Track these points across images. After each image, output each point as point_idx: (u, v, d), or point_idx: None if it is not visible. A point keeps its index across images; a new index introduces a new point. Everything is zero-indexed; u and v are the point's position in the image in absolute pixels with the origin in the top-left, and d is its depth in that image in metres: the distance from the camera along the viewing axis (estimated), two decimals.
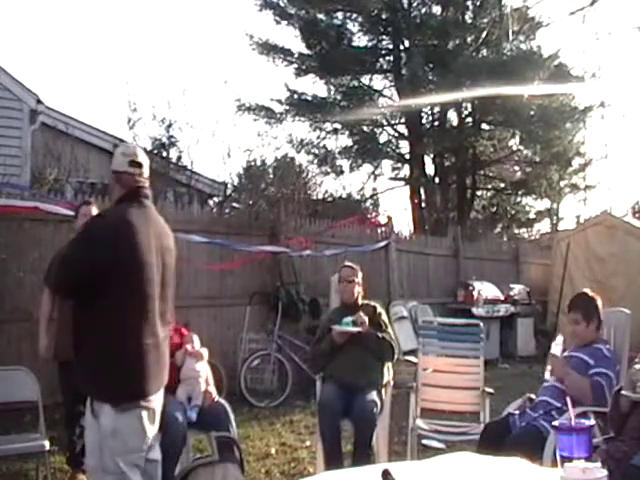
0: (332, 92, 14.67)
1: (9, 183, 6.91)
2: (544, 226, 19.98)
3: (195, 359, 3.98)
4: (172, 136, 10.40)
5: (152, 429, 2.84)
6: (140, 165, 2.93)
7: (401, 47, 14.48)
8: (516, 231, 19.16)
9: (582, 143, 15.46)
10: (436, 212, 14.49)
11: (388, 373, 4.36)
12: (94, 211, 4.30)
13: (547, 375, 3.62)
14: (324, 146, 14.68)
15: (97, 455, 2.78)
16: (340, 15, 14.42)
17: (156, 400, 2.87)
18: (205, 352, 4.08)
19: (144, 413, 2.78)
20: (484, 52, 14.61)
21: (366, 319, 4.22)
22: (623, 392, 2.94)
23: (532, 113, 13.72)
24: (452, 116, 15.29)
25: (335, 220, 9.37)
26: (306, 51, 14.35)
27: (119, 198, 2.89)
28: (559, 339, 3.74)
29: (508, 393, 5.15)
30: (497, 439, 3.30)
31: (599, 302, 3.65)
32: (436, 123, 15.20)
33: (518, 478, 1.87)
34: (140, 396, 2.77)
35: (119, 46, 31.03)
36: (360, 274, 4.51)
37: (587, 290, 3.78)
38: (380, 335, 4.26)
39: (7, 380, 4.18)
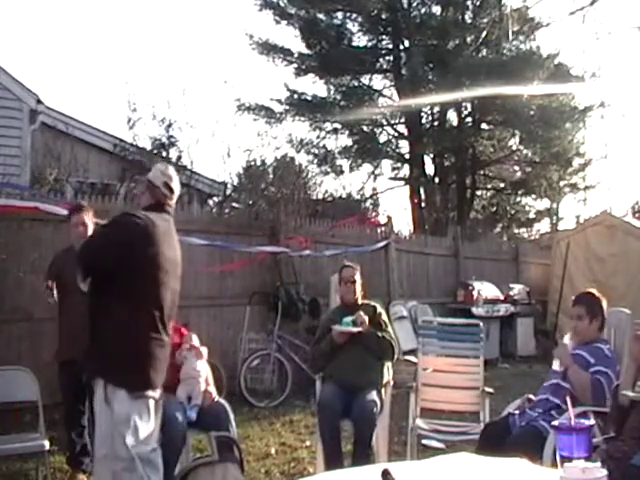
0: (332, 92, 14.67)
1: (9, 183, 6.91)
2: (544, 226, 20.00)
3: (195, 358, 3.98)
4: (172, 136, 10.41)
5: (157, 420, 3.03)
6: (172, 191, 3.18)
7: (401, 47, 14.48)
8: (516, 231, 19.15)
9: (582, 143, 15.44)
10: (436, 212, 14.49)
11: (388, 373, 4.36)
12: (88, 220, 4.21)
13: (555, 365, 3.57)
14: (324, 146, 14.68)
15: (108, 444, 2.87)
16: (340, 15, 14.41)
17: (159, 393, 3.05)
18: (204, 351, 4.08)
19: (151, 403, 2.96)
20: (484, 52, 14.59)
21: (366, 319, 4.22)
22: (623, 392, 2.94)
23: (532, 113, 13.71)
24: (452, 116, 15.29)
25: (335, 220, 9.37)
26: (306, 51, 14.35)
27: (147, 206, 3.13)
28: (570, 335, 3.72)
29: (508, 393, 5.15)
30: (497, 439, 3.30)
31: (604, 303, 3.64)
32: (436, 123, 15.19)
33: (518, 478, 1.87)
34: (151, 386, 2.96)
35: (119, 46, 31.05)
36: (359, 274, 4.52)
37: (593, 290, 3.76)
38: (380, 335, 4.26)
39: (7, 380, 4.18)
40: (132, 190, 3.06)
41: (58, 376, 4.27)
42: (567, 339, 3.64)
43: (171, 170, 3.25)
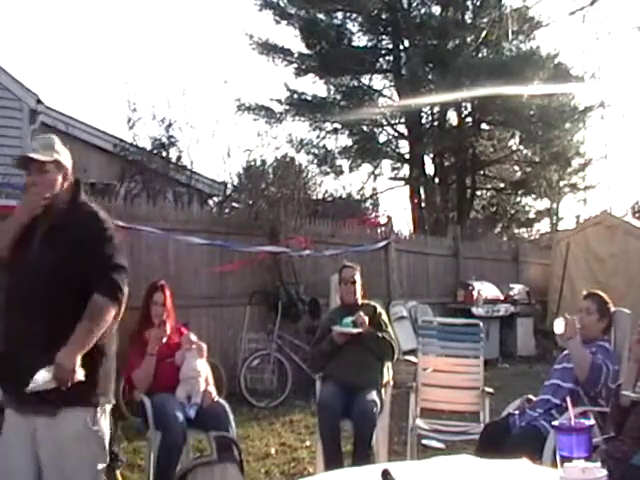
0: (332, 92, 14.68)
1: (9, 183, 6.90)
2: (544, 226, 20.00)
3: (195, 358, 3.97)
4: (172, 136, 10.38)
5: None
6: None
7: (401, 47, 14.49)
8: (516, 231, 19.16)
9: (582, 143, 15.46)
10: (436, 212, 14.49)
11: (388, 373, 4.36)
12: None
13: (557, 328, 3.51)
14: (324, 146, 14.69)
15: (86, 466, 2.50)
16: (340, 15, 14.42)
17: None
18: (204, 347, 4.06)
19: (109, 416, 2.62)
20: (484, 52, 14.61)
21: (366, 319, 4.21)
22: (623, 392, 2.94)
23: (532, 113, 13.72)
24: (452, 116, 15.30)
25: (335, 220, 9.37)
26: (306, 51, 14.35)
27: (73, 193, 2.67)
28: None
29: (508, 393, 5.14)
30: (497, 439, 3.30)
31: (612, 309, 3.68)
32: (436, 123, 15.19)
33: (518, 479, 1.87)
34: (111, 396, 2.63)
35: (119, 46, 31.07)
36: (359, 274, 4.52)
37: (604, 294, 3.77)
38: (380, 335, 4.26)
39: None
40: (28, 181, 2.23)
41: None
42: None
43: (57, 140, 2.70)
